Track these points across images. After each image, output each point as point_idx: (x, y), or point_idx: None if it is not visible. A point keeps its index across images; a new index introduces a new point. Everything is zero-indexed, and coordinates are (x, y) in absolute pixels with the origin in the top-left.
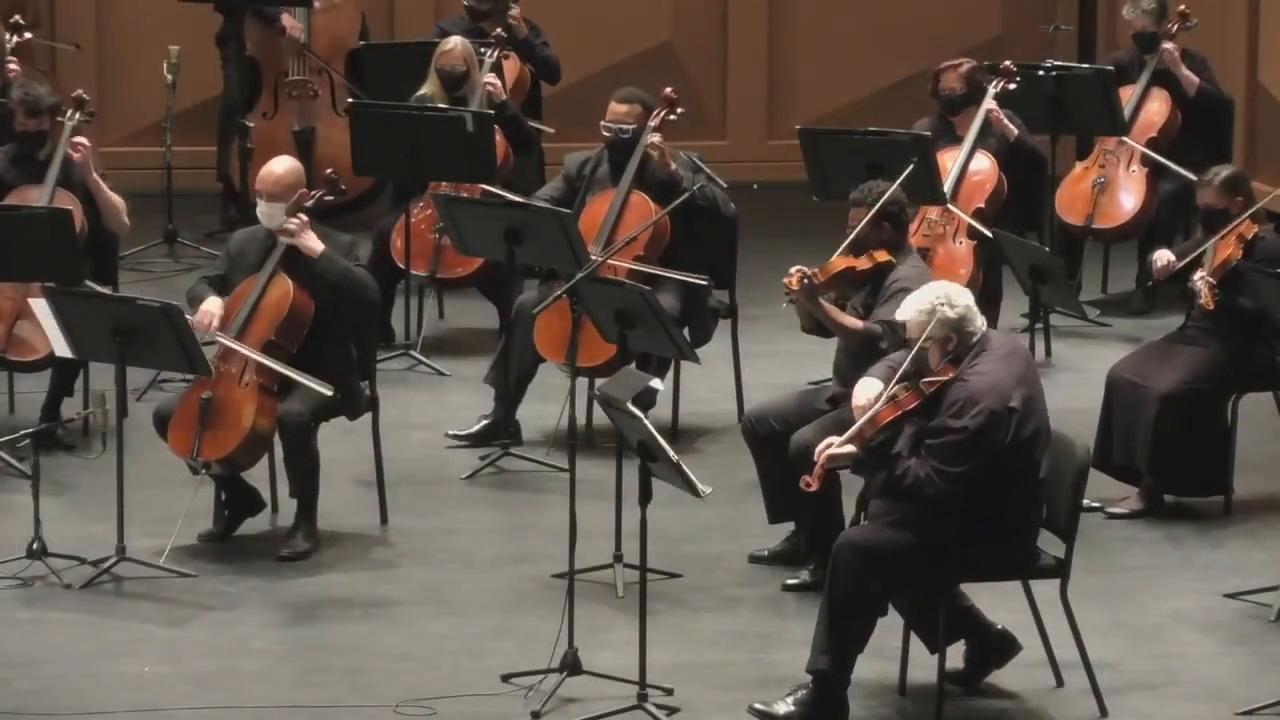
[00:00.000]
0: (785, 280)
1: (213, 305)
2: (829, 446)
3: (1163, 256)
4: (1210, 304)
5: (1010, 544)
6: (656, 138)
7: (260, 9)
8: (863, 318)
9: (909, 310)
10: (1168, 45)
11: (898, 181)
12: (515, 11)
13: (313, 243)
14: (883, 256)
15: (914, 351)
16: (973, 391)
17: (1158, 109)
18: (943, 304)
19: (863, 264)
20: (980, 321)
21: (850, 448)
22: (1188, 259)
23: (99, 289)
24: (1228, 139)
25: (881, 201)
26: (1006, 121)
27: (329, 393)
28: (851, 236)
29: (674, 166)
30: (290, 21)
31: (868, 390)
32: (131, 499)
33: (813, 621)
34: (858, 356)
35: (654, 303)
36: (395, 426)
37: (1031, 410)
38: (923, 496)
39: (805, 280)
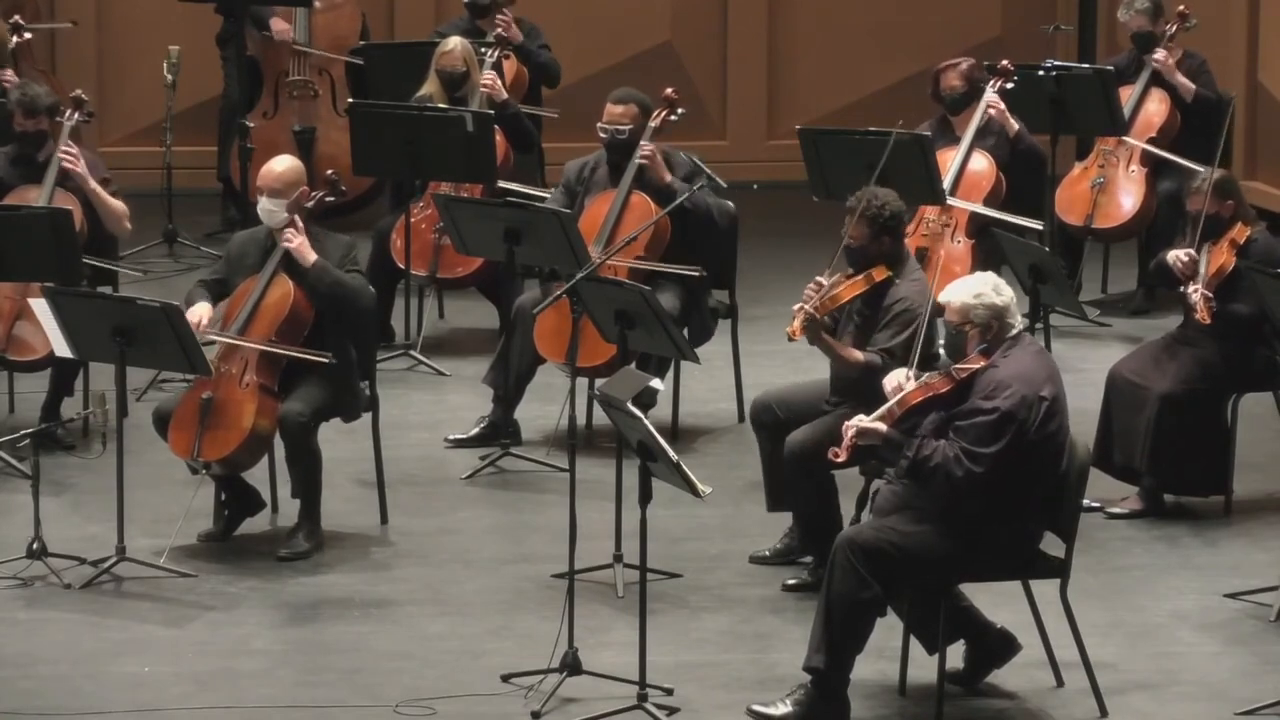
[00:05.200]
0: (788, 330)
1: (200, 308)
2: (860, 421)
3: (1179, 256)
4: (1207, 319)
5: (1018, 544)
6: (648, 149)
7: (252, 11)
8: (860, 326)
9: (956, 292)
10: (1159, 57)
11: (878, 168)
12: (506, 17)
13: (306, 252)
14: (881, 274)
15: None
16: (1005, 376)
17: (1156, 109)
18: (990, 291)
19: (862, 286)
20: (1018, 319)
21: (880, 425)
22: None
23: (103, 263)
24: (1225, 140)
25: (883, 215)
26: (1009, 117)
27: (329, 359)
28: (845, 246)
29: (669, 179)
30: (279, 26)
31: (898, 376)
32: (131, 499)
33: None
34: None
35: (654, 302)
36: (395, 426)
37: (1056, 409)
38: (949, 478)
39: (808, 321)
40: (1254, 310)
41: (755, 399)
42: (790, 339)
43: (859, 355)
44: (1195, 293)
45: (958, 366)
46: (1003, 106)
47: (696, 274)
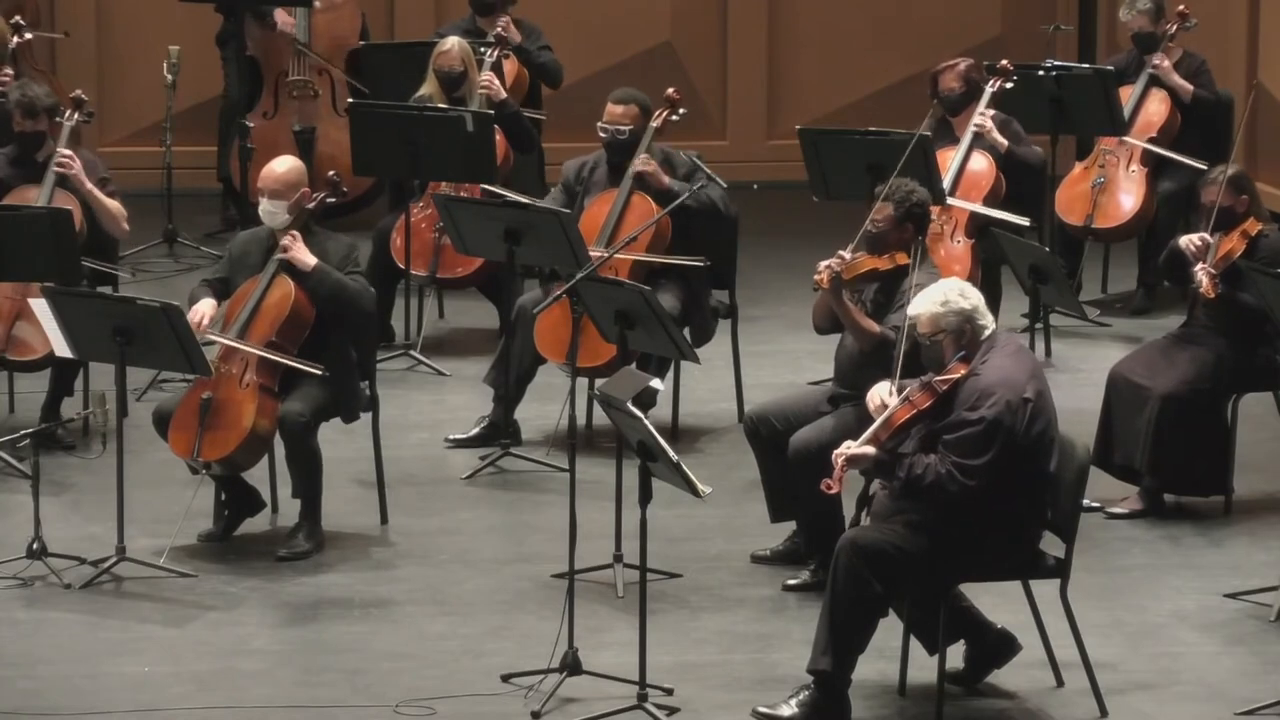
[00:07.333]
0: (815, 277)
1: (205, 305)
2: (847, 449)
3: (1191, 239)
4: (1212, 293)
5: (1018, 544)
6: (641, 160)
7: (256, 8)
8: (871, 314)
9: (922, 304)
10: (1158, 61)
11: (898, 167)
12: (505, 21)
13: (305, 257)
14: (903, 259)
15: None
16: (987, 384)
17: (1156, 109)
18: (957, 296)
19: (884, 265)
20: (990, 319)
21: (869, 449)
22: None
23: (97, 265)
24: (1226, 139)
25: (910, 200)
26: (997, 135)
27: (320, 372)
28: (869, 230)
29: (667, 182)
30: (283, 17)
31: (881, 392)
32: (131, 499)
33: (813, 622)
34: (861, 360)
35: (654, 303)
36: (395, 426)
37: (1042, 407)
38: (944, 494)
39: (835, 276)
40: (1261, 301)
41: (749, 413)
42: (815, 289)
43: (875, 326)
44: (1201, 270)
45: (939, 379)
46: (990, 127)
47: (701, 263)
